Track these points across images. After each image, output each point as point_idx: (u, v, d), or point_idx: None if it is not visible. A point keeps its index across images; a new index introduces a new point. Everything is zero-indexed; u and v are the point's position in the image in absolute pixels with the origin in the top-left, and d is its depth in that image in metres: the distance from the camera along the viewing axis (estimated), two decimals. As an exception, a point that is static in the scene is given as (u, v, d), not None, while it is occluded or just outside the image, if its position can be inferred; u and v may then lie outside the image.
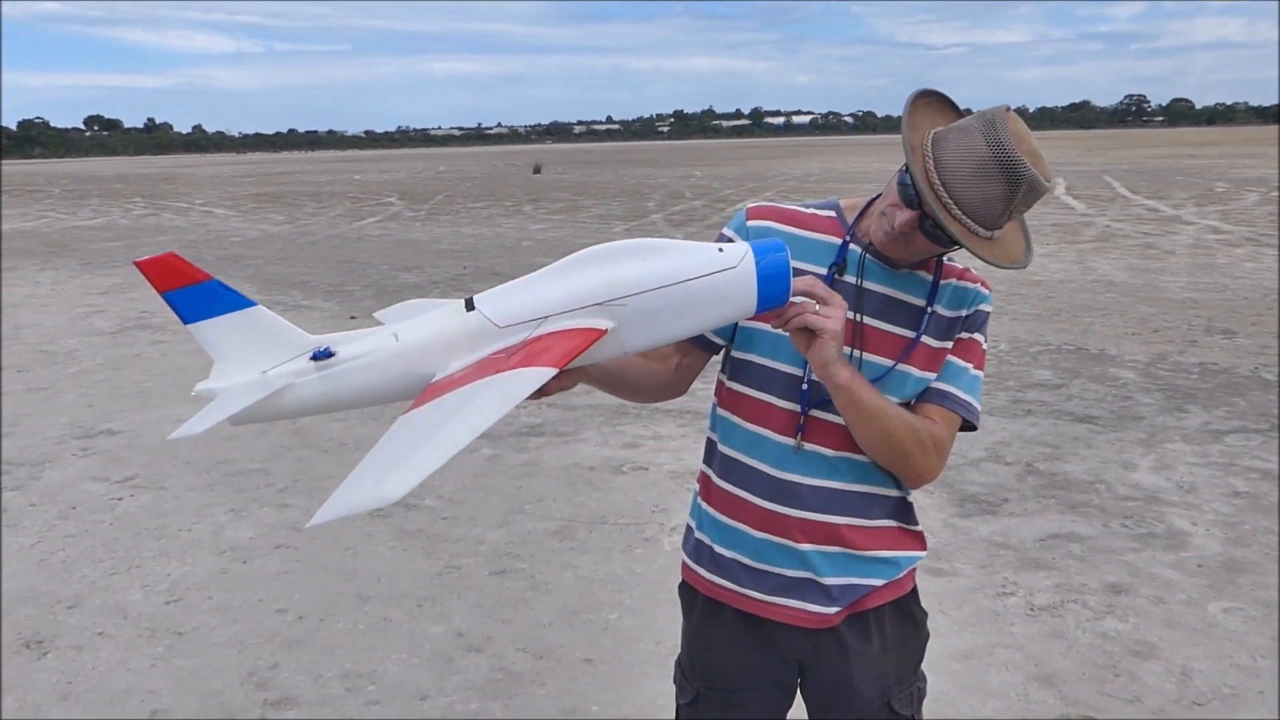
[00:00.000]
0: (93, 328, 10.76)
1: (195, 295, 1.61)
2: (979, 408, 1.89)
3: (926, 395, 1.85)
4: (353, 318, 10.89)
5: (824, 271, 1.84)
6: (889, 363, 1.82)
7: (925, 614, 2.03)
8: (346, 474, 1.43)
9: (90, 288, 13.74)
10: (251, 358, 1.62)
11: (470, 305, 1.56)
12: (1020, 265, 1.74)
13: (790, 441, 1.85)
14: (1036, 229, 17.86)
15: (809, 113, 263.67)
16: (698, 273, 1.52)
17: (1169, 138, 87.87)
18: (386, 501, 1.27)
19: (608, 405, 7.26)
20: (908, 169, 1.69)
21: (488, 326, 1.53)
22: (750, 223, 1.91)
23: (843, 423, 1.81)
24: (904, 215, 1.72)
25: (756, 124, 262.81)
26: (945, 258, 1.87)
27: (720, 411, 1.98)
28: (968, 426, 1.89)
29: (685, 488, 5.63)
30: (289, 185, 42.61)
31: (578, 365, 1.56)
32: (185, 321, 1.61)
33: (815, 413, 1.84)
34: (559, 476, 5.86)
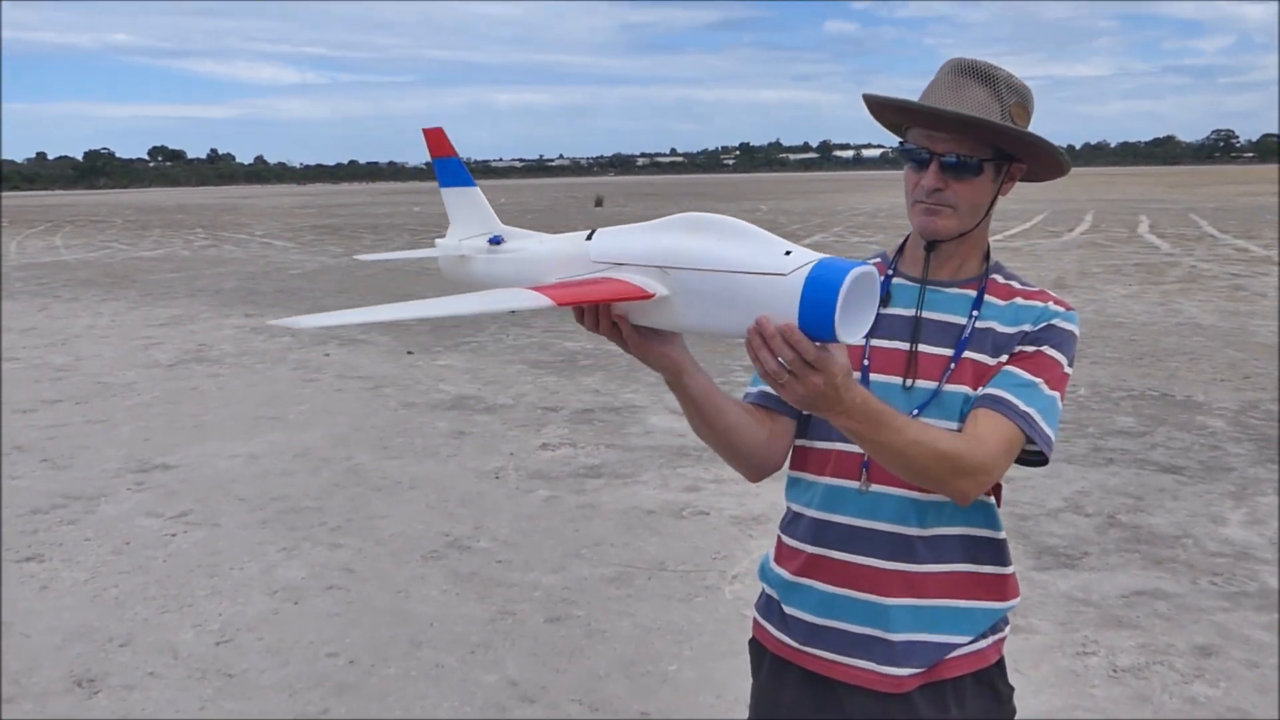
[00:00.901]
0: (151, 360, 11.01)
1: (447, 166, 2.07)
2: (1046, 429, 1.77)
3: (974, 402, 1.79)
4: (409, 352, 11.02)
5: None
6: (934, 385, 1.83)
7: (1011, 689, 1.94)
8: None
9: (150, 319, 14.06)
10: (467, 227, 2.04)
11: (591, 235, 1.71)
12: (1062, 158, 1.81)
13: (855, 484, 1.86)
14: (1118, 268, 17.58)
15: (879, 146, 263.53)
16: (748, 267, 1.46)
17: (1259, 175, 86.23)
18: (318, 324, 1.51)
19: (668, 447, 7.25)
20: (902, 142, 1.86)
21: (585, 256, 1.67)
22: None
23: None
24: (929, 172, 1.81)
25: (825, 157, 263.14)
26: (1000, 277, 1.89)
27: (790, 474, 2.00)
28: (1037, 458, 1.80)
29: (748, 534, 5.58)
30: (348, 217, 43.39)
31: (644, 323, 1.63)
32: (441, 185, 2.05)
33: None
34: (617, 520, 5.85)
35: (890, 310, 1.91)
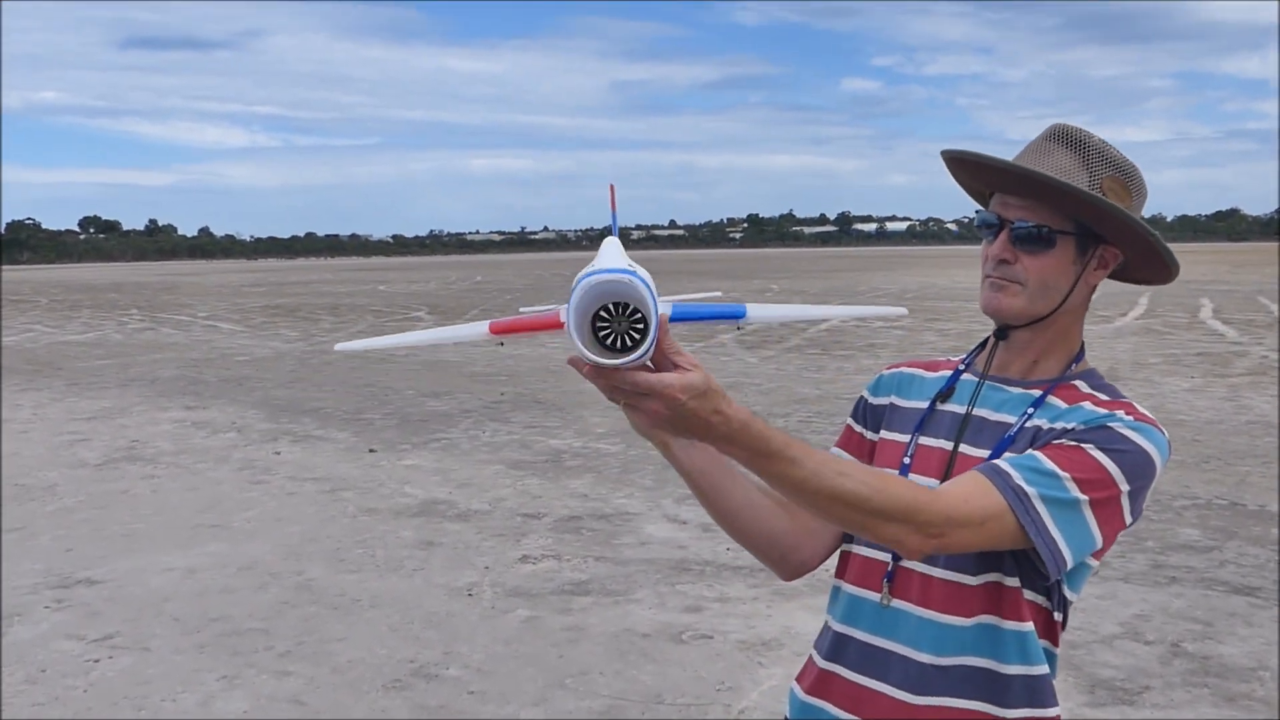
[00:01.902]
0: (76, 459, 11.00)
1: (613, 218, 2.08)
2: (1052, 530, 1.70)
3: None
4: (372, 450, 11.02)
5: (924, 406, 1.96)
6: None
7: None
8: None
9: (76, 412, 14.09)
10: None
11: None
12: (1159, 241, 1.83)
13: (876, 596, 1.88)
14: (1178, 358, 17.69)
15: (905, 219, 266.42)
16: (576, 283, 1.49)
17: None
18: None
19: (667, 560, 7.22)
20: (978, 210, 1.91)
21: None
22: (885, 372, 2.10)
23: (942, 576, 1.82)
24: (997, 240, 1.86)
25: (844, 230, 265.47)
26: (1084, 384, 1.87)
27: (832, 583, 2.04)
28: (1040, 581, 1.77)
29: (757, 661, 5.54)
30: (304, 297, 43.66)
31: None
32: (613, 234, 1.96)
33: (907, 562, 1.85)
34: (607, 645, 5.80)
35: (946, 406, 1.94)
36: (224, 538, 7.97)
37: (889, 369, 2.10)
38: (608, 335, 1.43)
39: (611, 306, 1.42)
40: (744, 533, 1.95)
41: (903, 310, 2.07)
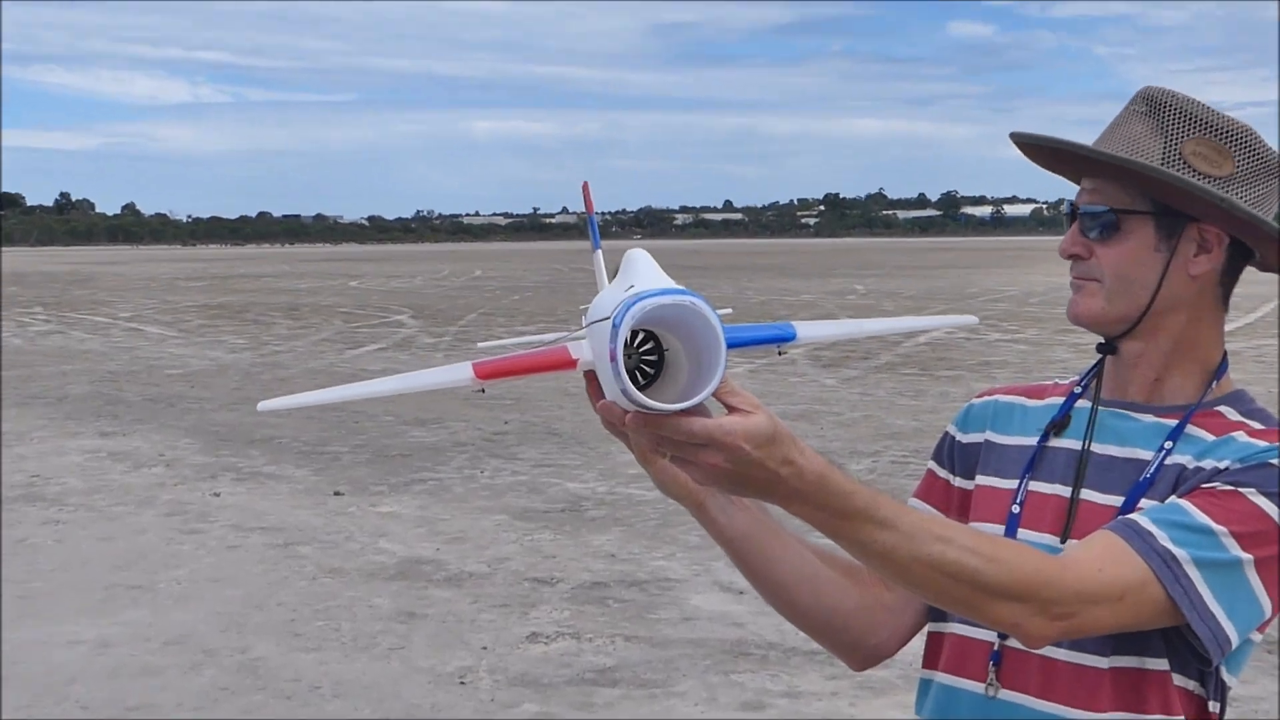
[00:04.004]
0: (-40, 498, 11.05)
1: (593, 225, 2.15)
2: (1208, 599, 1.69)
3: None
4: (337, 493, 11.04)
5: (1031, 442, 1.97)
6: None
7: None
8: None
9: (-39, 438, 14.16)
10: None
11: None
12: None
13: (979, 686, 1.90)
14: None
15: (1029, 200, 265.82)
16: (601, 311, 1.54)
17: None
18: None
19: (717, 640, 7.18)
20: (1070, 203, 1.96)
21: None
22: (975, 401, 2.13)
23: (1066, 659, 1.82)
24: (1068, 233, 1.93)
25: (949, 215, 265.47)
26: (1233, 411, 1.87)
27: (920, 676, 2.02)
28: (1198, 661, 1.75)
29: (836, 777, 5.48)
30: (255, 294, 43.90)
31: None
32: (595, 249, 2.11)
33: (1015, 641, 1.81)
34: (640, 751, 5.76)
35: (1059, 442, 1.94)
36: (146, 603, 7.98)
37: (980, 397, 2.13)
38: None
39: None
40: (801, 611, 1.97)
41: (972, 319, 2.11)
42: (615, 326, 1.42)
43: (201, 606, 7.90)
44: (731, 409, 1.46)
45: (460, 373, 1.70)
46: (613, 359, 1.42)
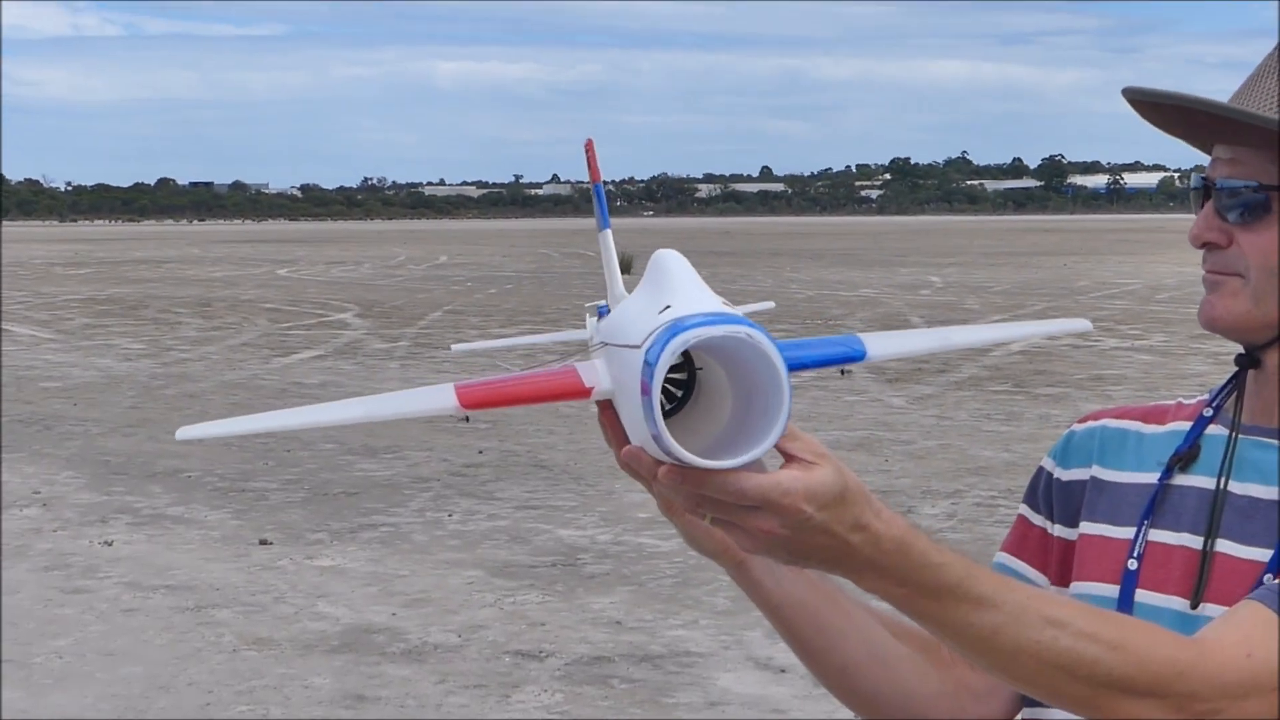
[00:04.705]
0: None
1: (600, 195, 2.20)
2: None
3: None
4: (266, 541, 11.04)
5: (1150, 479, 1.96)
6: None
7: None
8: None
9: None
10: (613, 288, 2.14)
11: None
12: None
13: None
14: None
15: (1156, 167, 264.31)
16: (622, 334, 1.58)
17: None
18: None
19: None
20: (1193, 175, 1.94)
21: (589, 334, 1.85)
22: (1077, 427, 2.13)
23: None
24: (1200, 216, 1.89)
25: (1051, 187, 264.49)
26: None
27: None
28: None
29: None
30: (155, 285, 43.86)
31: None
32: (602, 228, 2.21)
33: None
34: None
35: (1187, 479, 1.93)
36: (18, 682, 8.00)
37: (1084, 422, 2.12)
38: None
39: None
40: (867, 699, 1.97)
41: (1083, 324, 2.06)
42: (650, 364, 1.42)
43: (90, 687, 7.92)
44: (789, 458, 1.45)
45: (438, 398, 1.69)
46: (645, 393, 1.42)
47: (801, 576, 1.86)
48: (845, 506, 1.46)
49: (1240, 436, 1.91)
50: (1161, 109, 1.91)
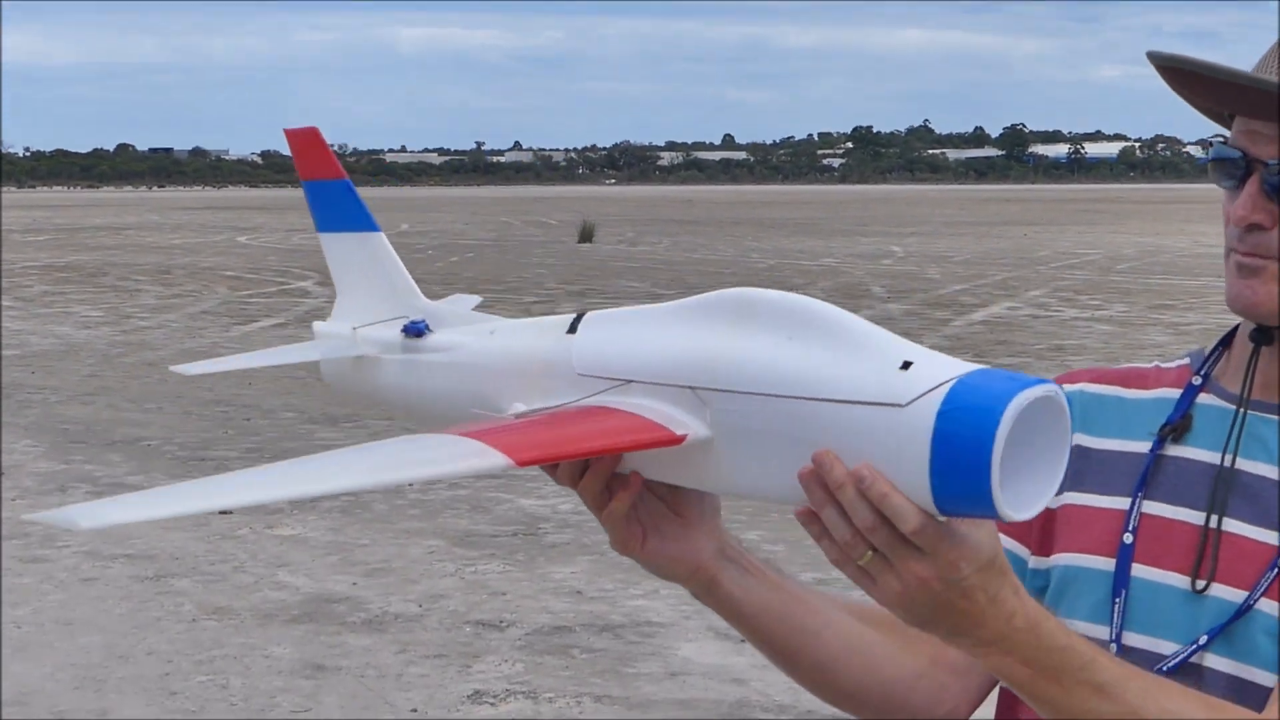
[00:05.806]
0: None
1: (328, 195, 2.32)
2: None
3: None
4: (226, 511, 11.01)
5: (1140, 448, 1.94)
6: (1241, 595, 1.81)
7: None
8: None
9: None
10: (364, 302, 2.24)
11: (575, 325, 1.85)
12: None
13: None
14: None
15: (1118, 137, 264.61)
16: (837, 390, 1.52)
17: None
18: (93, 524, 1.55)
19: (711, 702, 7.21)
20: (1217, 140, 1.84)
21: (566, 364, 1.81)
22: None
23: None
24: (1242, 194, 1.79)
25: (1013, 156, 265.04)
26: None
27: None
28: None
29: None
30: (114, 252, 43.69)
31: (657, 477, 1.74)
32: (319, 229, 2.31)
33: None
34: (615, 844, 5.79)
35: (1180, 450, 1.92)
36: (-22, 652, 7.97)
37: (1067, 381, 2.06)
38: None
39: None
40: (850, 691, 1.98)
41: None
42: (979, 425, 1.40)
43: (48, 657, 7.91)
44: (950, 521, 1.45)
45: (484, 459, 1.59)
46: (976, 450, 1.39)
47: (763, 579, 1.87)
48: (992, 574, 1.48)
49: (1249, 412, 1.89)
50: (1192, 79, 1.83)
